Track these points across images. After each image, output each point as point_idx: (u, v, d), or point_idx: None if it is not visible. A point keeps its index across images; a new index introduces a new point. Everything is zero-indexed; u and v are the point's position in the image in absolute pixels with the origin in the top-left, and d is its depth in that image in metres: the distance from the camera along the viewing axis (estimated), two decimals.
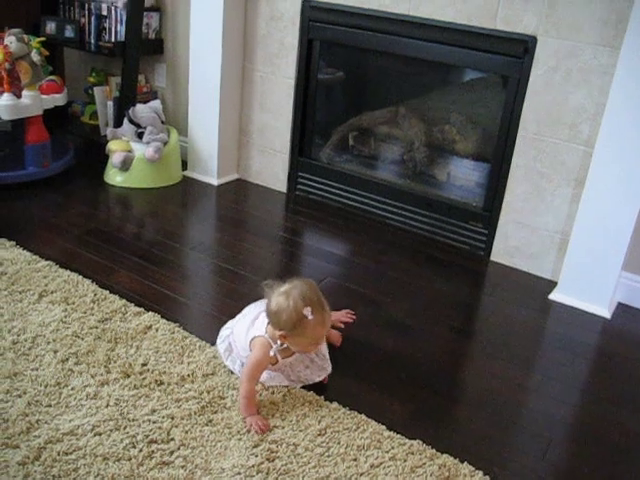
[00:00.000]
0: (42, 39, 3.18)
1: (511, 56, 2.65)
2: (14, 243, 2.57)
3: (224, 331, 2.07)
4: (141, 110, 3.32)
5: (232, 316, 2.24)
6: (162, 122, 3.38)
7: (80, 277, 2.38)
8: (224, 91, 3.29)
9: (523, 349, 2.30)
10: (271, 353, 1.85)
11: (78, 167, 3.43)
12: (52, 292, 2.28)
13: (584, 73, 2.50)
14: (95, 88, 3.73)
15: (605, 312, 2.55)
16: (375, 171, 3.34)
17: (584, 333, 2.43)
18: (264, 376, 1.90)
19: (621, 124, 2.36)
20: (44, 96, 3.18)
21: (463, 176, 3.15)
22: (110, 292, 2.31)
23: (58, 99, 3.27)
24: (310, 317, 1.78)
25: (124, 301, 2.26)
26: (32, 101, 3.09)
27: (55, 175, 3.25)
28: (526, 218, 2.78)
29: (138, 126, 3.29)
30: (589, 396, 2.10)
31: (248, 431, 1.74)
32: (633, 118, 2.32)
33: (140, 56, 3.51)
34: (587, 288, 2.57)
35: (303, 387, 1.93)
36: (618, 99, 2.35)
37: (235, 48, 3.26)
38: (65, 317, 2.14)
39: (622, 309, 2.61)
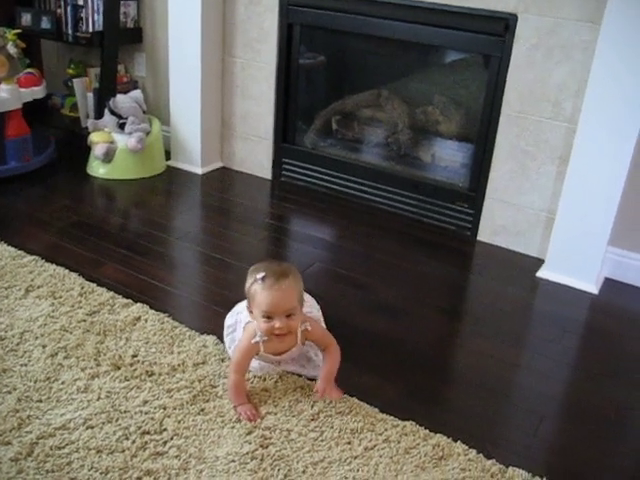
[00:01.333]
0: (18, 31, 3.14)
1: (492, 35, 2.64)
2: None
3: (238, 306, 2.00)
4: (122, 100, 3.28)
5: (220, 304, 2.24)
6: (143, 112, 3.35)
7: (66, 271, 2.36)
8: (205, 79, 3.26)
9: (512, 327, 2.31)
10: (254, 340, 1.78)
11: (60, 160, 3.39)
12: (38, 287, 2.26)
13: (566, 50, 2.50)
14: (74, 80, 3.68)
15: (592, 288, 2.56)
16: (360, 154, 3.33)
17: (572, 309, 2.44)
18: (254, 365, 1.89)
19: (603, 100, 2.36)
20: (22, 89, 3.14)
21: (448, 157, 3.14)
22: (97, 285, 2.29)
23: (37, 92, 3.23)
24: (259, 278, 1.72)
25: (112, 293, 2.25)
26: (10, 95, 3.05)
27: (37, 169, 3.22)
28: (511, 197, 2.78)
29: (119, 117, 3.26)
30: (579, 371, 2.12)
31: (238, 420, 1.74)
32: (615, 93, 2.33)
33: (119, 46, 3.47)
34: (574, 264, 2.58)
35: (294, 373, 1.93)
36: (600, 74, 2.35)
37: (215, 34, 3.23)
38: (53, 311, 2.13)
39: (609, 284, 2.63)
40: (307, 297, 1.97)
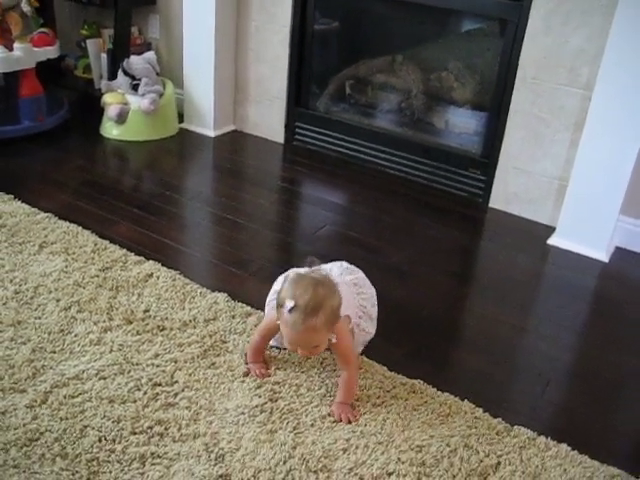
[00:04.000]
0: None
1: None
2: (12, 196, 2.56)
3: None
4: (135, 62, 3.27)
5: (232, 263, 2.27)
6: (157, 74, 3.34)
7: (80, 228, 2.38)
8: (219, 41, 3.25)
9: (522, 293, 2.32)
10: (278, 321, 1.64)
11: (73, 121, 3.40)
12: (52, 243, 2.28)
13: (584, 15, 2.47)
14: (88, 41, 3.67)
15: (603, 256, 2.56)
16: (373, 120, 3.32)
17: (582, 277, 2.45)
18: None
19: (620, 66, 2.34)
20: (36, 48, 3.13)
21: (461, 123, 3.13)
22: (110, 242, 2.31)
23: (50, 52, 3.22)
24: (286, 311, 1.55)
25: (124, 251, 2.27)
26: (24, 53, 3.05)
27: (50, 129, 3.22)
28: (525, 164, 2.77)
29: (133, 78, 3.25)
30: (587, 337, 2.13)
31: (248, 374, 1.76)
32: (632, 60, 2.30)
33: (133, 7, 3.45)
34: (585, 232, 2.57)
35: None
36: (618, 41, 2.32)
37: None
38: (66, 267, 2.15)
39: (620, 253, 2.62)
40: (366, 289, 1.85)
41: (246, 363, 1.79)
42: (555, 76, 2.60)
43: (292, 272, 1.72)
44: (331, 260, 1.92)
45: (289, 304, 1.54)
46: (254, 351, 1.79)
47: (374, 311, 1.86)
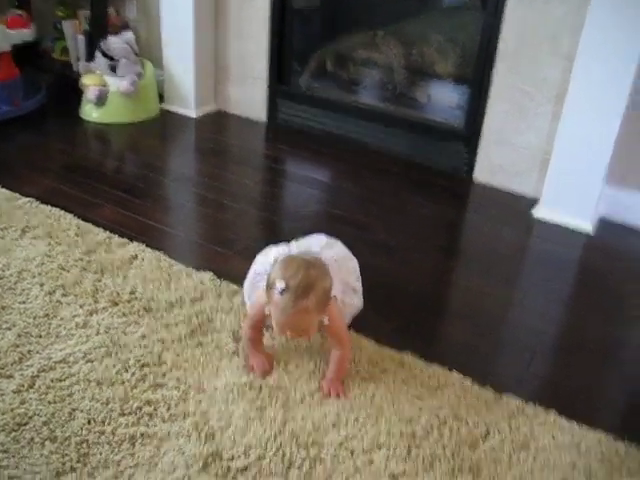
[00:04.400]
0: None
1: None
2: None
3: (271, 254, 1.76)
4: (113, 42, 3.23)
5: (217, 243, 2.26)
6: (136, 54, 3.30)
7: (62, 212, 2.35)
8: (198, 20, 3.21)
9: (507, 265, 2.32)
10: (267, 311, 1.60)
11: (52, 104, 3.35)
12: (34, 227, 2.25)
13: None
14: (64, 22, 3.61)
15: (588, 227, 2.57)
16: (355, 96, 3.30)
17: (567, 249, 2.46)
18: None
19: (601, 35, 2.33)
20: (10, 31, 3.08)
21: (444, 97, 3.12)
22: (94, 225, 2.29)
23: (25, 34, 3.17)
24: (277, 292, 1.51)
25: (108, 233, 2.25)
26: None
27: (28, 114, 3.18)
28: (508, 137, 2.77)
29: (111, 59, 3.21)
30: (572, 309, 2.14)
31: (236, 353, 1.75)
32: (613, 29, 2.29)
33: None
34: (570, 204, 2.58)
35: None
36: (598, 11, 2.31)
37: None
38: (49, 251, 2.13)
39: (604, 223, 2.63)
40: (348, 262, 1.82)
41: (247, 359, 1.74)
42: (536, 48, 2.59)
43: (275, 251, 1.72)
44: None
45: (280, 285, 1.50)
46: (253, 345, 1.73)
47: (358, 284, 1.83)
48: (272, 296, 1.53)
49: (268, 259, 1.74)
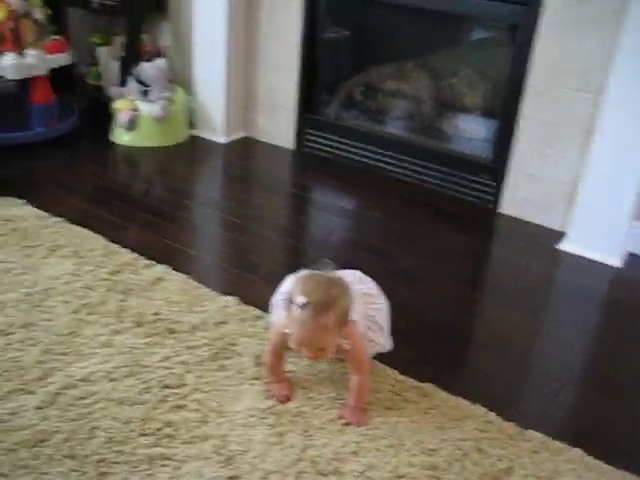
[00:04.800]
0: None
1: (519, 3, 2.61)
2: (24, 201, 2.56)
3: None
4: (146, 68, 3.29)
5: (242, 267, 2.26)
6: (168, 81, 3.36)
7: (90, 232, 2.38)
8: (229, 48, 3.26)
9: (534, 298, 2.30)
10: (286, 329, 1.60)
11: (85, 128, 3.41)
12: (62, 247, 2.28)
13: (595, 19, 2.46)
14: (99, 48, 3.69)
15: (616, 261, 2.54)
16: (383, 126, 3.32)
17: (595, 282, 2.43)
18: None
19: (631, 71, 2.32)
20: (49, 55, 3.15)
21: (472, 129, 3.12)
22: (120, 246, 2.31)
23: (63, 58, 3.25)
24: (296, 306, 1.51)
25: (135, 255, 2.27)
26: (37, 60, 3.07)
27: (62, 136, 3.24)
28: (535, 170, 2.76)
29: (144, 84, 3.27)
30: (600, 342, 2.11)
31: (257, 377, 1.75)
32: None
33: (144, 14, 3.47)
34: (597, 238, 2.55)
35: None
36: (629, 45, 2.31)
37: (240, 3, 3.22)
38: (76, 270, 2.15)
39: (632, 259, 2.59)
40: (377, 300, 1.80)
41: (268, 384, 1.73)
42: (566, 81, 2.59)
43: (283, 292, 1.71)
44: (345, 267, 1.87)
45: (300, 300, 1.50)
46: (273, 372, 1.73)
47: (385, 323, 1.81)
48: (292, 311, 1.53)
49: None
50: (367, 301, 1.75)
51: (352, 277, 1.79)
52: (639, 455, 1.66)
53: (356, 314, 1.66)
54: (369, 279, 1.84)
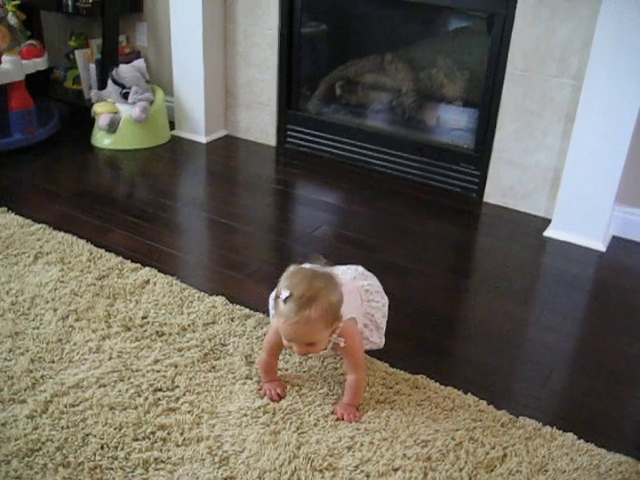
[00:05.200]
0: (17, 2, 3.12)
1: None
2: (5, 209, 2.55)
3: None
4: (125, 70, 3.27)
5: (228, 267, 2.26)
6: (147, 81, 3.34)
7: (75, 238, 2.37)
8: (207, 46, 3.24)
9: (520, 284, 2.31)
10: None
11: (64, 132, 3.39)
12: (47, 253, 2.27)
13: (571, 4, 2.47)
14: (76, 52, 3.66)
15: (600, 245, 2.56)
16: (364, 119, 3.32)
17: (580, 267, 2.44)
18: None
19: (609, 55, 2.34)
20: (24, 61, 3.12)
21: (452, 119, 3.13)
22: (106, 250, 2.30)
23: (39, 63, 3.22)
24: (281, 300, 1.51)
25: (120, 258, 2.26)
26: (13, 66, 3.04)
27: (42, 141, 3.22)
28: (517, 157, 2.77)
29: (122, 87, 3.25)
30: (588, 326, 2.13)
31: (249, 377, 1.74)
32: (621, 48, 2.30)
33: (120, 15, 3.45)
34: (581, 223, 2.57)
35: None
36: (606, 30, 2.32)
37: (216, 1, 3.20)
38: (62, 276, 2.14)
39: (617, 242, 2.62)
40: (378, 297, 1.78)
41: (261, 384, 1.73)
42: (544, 68, 2.60)
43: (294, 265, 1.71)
44: (332, 262, 1.85)
45: (284, 293, 1.50)
46: (266, 371, 1.72)
47: (383, 322, 1.80)
48: (278, 305, 1.53)
49: None
50: (368, 298, 1.75)
51: (354, 272, 1.79)
52: (629, 437, 1.67)
53: (355, 311, 1.66)
54: (371, 275, 1.84)
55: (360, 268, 1.84)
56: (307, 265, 1.65)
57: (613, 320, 2.14)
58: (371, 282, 1.80)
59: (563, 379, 1.87)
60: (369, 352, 1.83)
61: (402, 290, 2.21)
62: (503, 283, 2.30)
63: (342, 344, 1.60)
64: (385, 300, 1.81)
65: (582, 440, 1.61)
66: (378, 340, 1.79)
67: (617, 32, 2.29)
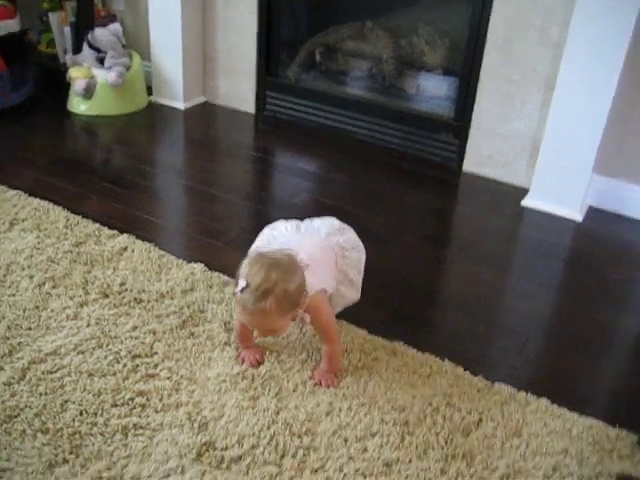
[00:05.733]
0: None
1: None
2: None
3: (260, 237, 1.77)
4: (100, 34, 3.20)
5: (207, 234, 2.25)
6: (123, 46, 3.28)
7: (51, 204, 2.34)
8: (185, 11, 3.18)
9: (497, 253, 2.33)
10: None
11: (39, 97, 3.33)
12: (23, 220, 2.24)
13: None
14: (50, 14, 3.57)
15: (577, 215, 2.58)
16: (344, 87, 3.29)
17: (557, 236, 2.47)
18: None
19: (590, 24, 2.33)
20: None
21: (433, 88, 3.12)
22: (82, 217, 2.28)
23: (11, 25, 3.14)
24: (238, 288, 1.48)
25: (97, 225, 2.24)
26: None
27: (16, 106, 3.15)
28: (497, 126, 2.77)
29: (98, 51, 3.19)
30: (564, 295, 2.16)
31: (228, 343, 1.75)
32: (601, 17, 2.29)
33: None
34: (559, 193, 2.59)
35: None
36: None
37: None
38: (38, 243, 2.12)
39: (593, 212, 2.64)
40: (354, 253, 1.76)
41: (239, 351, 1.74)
42: (525, 37, 2.59)
43: (283, 226, 1.72)
44: None
45: (241, 283, 1.47)
46: (242, 338, 1.72)
47: (358, 277, 1.78)
48: (236, 292, 1.50)
49: (273, 232, 1.73)
50: (344, 254, 1.72)
51: (329, 228, 1.76)
52: (600, 401, 1.72)
53: (328, 274, 1.65)
54: (348, 227, 1.80)
55: (336, 222, 1.80)
56: (275, 232, 1.64)
57: (587, 289, 2.17)
58: (347, 237, 1.77)
59: (538, 347, 1.90)
60: (348, 318, 1.84)
61: (380, 258, 2.22)
62: (481, 252, 2.32)
63: (307, 319, 1.60)
64: (362, 254, 1.79)
65: (555, 405, 1.64)
66: (354, 295, 1.78)
67: (598, 2, 2.28)
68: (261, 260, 1.52)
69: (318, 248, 1.64)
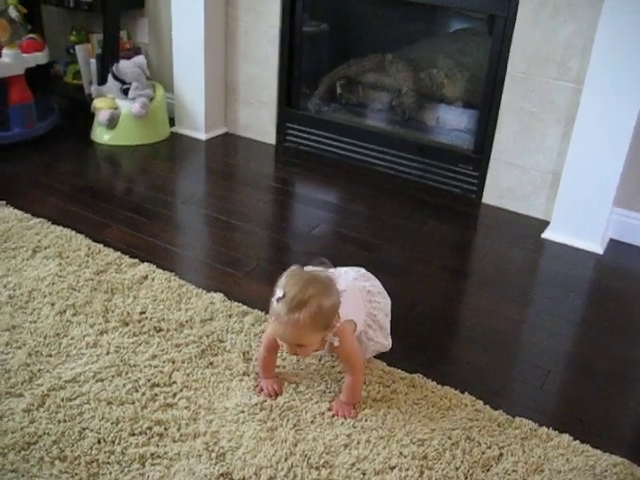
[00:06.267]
0: None
1: None
2: (4, 202, 2.54)
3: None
4: (125, 66, 3.27)
5: (227, 264, 2.26)
6: (147, 78, 3.34)
7: (73, 232, 2.37)
8: (208, 43, 3.24)
9: (518, 286, 2.31)
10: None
11: (64, 127, 3.39)
12: (45, 248, 2.26)
13: (572, 7, 2.48)
14: (77, 47, 3.65)
15: (598, 248, 2.56)
16: (364, 119, 3.32)
17: (578, 269, 2.45)
18: None
19: (609, 58, 2.34)
20: (25, 54, 3.12)
21: (452, 120, 3.13)
22: (104, 245, 2.30)
23: (40, 57, 3.21)
24: (276, 297, 1.52)
25: (118, 253, 2.26)
26: (13, 60, 3.04)
27: (41, 136, 3.21)
28: (517, 159, 2.78)
29: (123, 82, 3.25)
30: (585, 328, 2.13)
31: (246, 373, 1.75)
32: (621, 51, 2.31)
33: (121, 11, 3.44)
34: (579, 225, 2.58)
35: None
36: (606, 33, 2.33)
37: None
38: (60, 271, 2.14)
39: (614, 245, 2.62)
40: (380, 298, 1.79)
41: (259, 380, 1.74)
42: (545, 70, 2.60)
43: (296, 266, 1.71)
44: (331, 261, 1.84)
45: (278, 293, 1.51)
46: (263, 367, 1.73)
47: (386, 321, 1.79)
48: (272, 303, 1.53)
49: None
50: (370, 299, 1.75)
51: (356, 274, 1.80)
52: (624, 438, 1.68)
53: (356, 312, 1.67)
54: (373, 277, 1.84)
55: (362, 270, 1.84)
56: (309, 267, 1.64)
57: (610, 322, 2.14)
58: (373, 283, 1.80)
59: (560, 381, 1.88)
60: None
61: (400, 290, 2.21)
62: (501, 284, 2.30)
63: (336, 343, 1.60)
64: (387, 300, 1.81)
65: (578, 441, 1.61)
66: (384, 340, 1.79)
67: (618, 35, 2.30)
68: (300, 273, 1.56)
69: (347, 289, 1.65)
